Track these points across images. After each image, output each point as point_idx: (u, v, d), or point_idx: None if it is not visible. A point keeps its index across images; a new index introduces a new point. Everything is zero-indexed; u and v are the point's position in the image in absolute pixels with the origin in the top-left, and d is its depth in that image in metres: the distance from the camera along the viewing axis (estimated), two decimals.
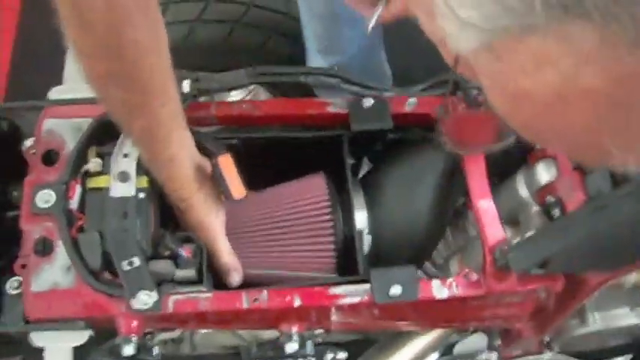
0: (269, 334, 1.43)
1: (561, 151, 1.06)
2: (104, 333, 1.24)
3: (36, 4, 2.30)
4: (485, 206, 1.26)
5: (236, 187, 1.24)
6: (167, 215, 1.31)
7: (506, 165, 1.36)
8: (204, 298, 1.21)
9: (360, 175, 1.42)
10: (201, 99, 1.35)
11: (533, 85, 0.56)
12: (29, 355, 1.25)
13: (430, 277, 1.43)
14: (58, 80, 1.34)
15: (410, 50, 1.61)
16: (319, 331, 1.34)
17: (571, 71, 0.52)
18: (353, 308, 1.26)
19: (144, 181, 1.25)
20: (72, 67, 1.32)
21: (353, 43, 1.77)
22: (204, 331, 1.59)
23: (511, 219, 1.33)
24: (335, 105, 1.34)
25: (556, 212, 1.26)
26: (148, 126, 1.13)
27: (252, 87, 1.87)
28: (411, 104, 1.36)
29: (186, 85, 1.28)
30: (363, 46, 1.81)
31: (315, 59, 1.76)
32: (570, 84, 0.53)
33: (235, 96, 1.80)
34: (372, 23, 1.24)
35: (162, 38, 1.08)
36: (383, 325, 1.36)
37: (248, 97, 1.79)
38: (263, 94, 1.83)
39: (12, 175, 1.33)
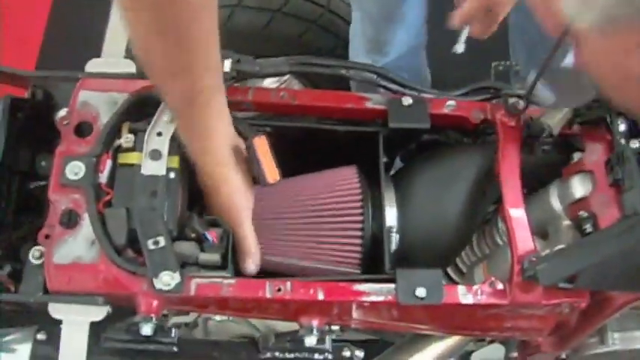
0: (283, 325, 1.42)
1: None
2: (120, 311, 1.22)
3: None
4: (518, 215, 1.25)
5: (271, 170, 1.23)
6: (194, 199, 1.30)
7: (538, 178, 1.33)
8: (227, 284, 1.19)
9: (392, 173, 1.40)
10: (237, 84, 1.34)
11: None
12: (45, 326, 1.23)
13: (453, 282, 1.41)
14: (90, 54, 1.32)
15: (447, 59, 1.60)
16: (335, 328, 1.32)
17: None
18: (374, 307, 1.25)
19: (175, 161, 1.24)
20: (112, 42, 1.32)
21: (402, 44, 1.77)
22: (218, 318, 1.58)
23: (540, 231, 1.31)
24: (373, 101, 1.33)
25: (588, 227, 1.24)
26: (188, 89, 1.12)
27: (286, 77, 1.87)
28: (449, 106, 1.34)
29: (227, 65, 1.26)
30: (411, 47, 1.81)
31: (360, 58, 1.75)
32: None
33: (269, 84, 1.80)
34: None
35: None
36: (402, 327, 1.34)
37: (283, 86, 1.78)
38: (296, 85, 1.82)
39: (41, 146, 1.32)
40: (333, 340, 1.30)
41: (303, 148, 1.37)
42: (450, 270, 1.43)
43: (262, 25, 1.57)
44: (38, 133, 1.32)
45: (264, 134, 1.24)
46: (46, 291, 1.19)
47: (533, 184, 1.35)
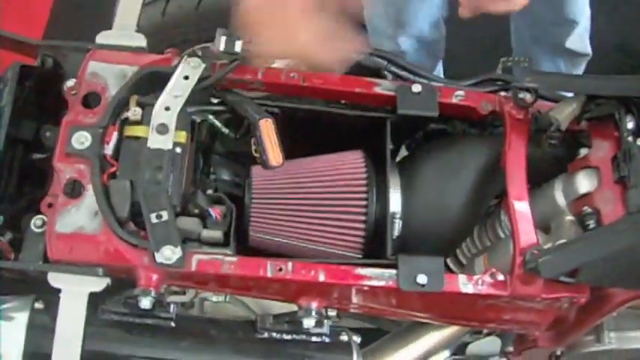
0: (280, 307, 1.41)
1: None
2: (120, 284, 1.22)
3: None
4: (521, 207, 1.25)
5: (274, 153, 1.23)
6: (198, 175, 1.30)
7: (544, 172, 1.33)
8: (229, 261, 1.19)
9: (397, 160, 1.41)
10: None
11: None
12: (43, 295, 1.23)
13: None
14: (100, 26, 1.32)
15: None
16: (332, 313, 1.32)
17: None
18: (373, 292, 1.25)
19: (182, 136, 1.24)
20: (123, 14, 1.32)
21: (424, 20, 1.78)
22: (215, 299, 1.58)
23: (543, 225, 1.31)
24: (382, 86, 1.33)
25: (591, 223, 1.24)
26: None
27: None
28: (458, 96, 1.34)
29: (238, 45, 1.26)
30: (432, 22, 1.82)
31: (381, 35, 1.76)
32: None
33: (278, 63, 1.79)
34: None
35: None
36: (400, 313, 1.34)
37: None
38: (304, 67, 1.82)
39: (47, 116, 1.32)
40: (334, 325, 1.31)
41: (312, 130, 1.37)
42: (449, 261, 1.43)
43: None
44: (45, 103, 1.32)
45: (272, 117, 1.24)
46: (46, 260, 1.19)
47: (539, 179, 1.35)
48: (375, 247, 1.28)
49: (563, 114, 1.28)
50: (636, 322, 1.45)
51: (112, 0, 1.40)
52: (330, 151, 1.35)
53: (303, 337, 1.26)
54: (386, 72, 1.35)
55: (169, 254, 1.16)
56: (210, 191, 1.35)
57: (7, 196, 1.30)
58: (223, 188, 1.37)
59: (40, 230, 1.20)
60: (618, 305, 1.31)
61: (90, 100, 1.26)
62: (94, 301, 1.20)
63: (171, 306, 1.22)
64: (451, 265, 1.44)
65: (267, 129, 1.23)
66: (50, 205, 1.20)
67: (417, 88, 1.32)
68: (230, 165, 1.39)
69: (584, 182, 1.27)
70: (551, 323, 1.34)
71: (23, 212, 1.27)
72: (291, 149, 1.33)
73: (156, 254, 1.16)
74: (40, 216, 1.21)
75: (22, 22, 2.26)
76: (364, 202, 1.28)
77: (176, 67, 1.26)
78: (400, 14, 1.75)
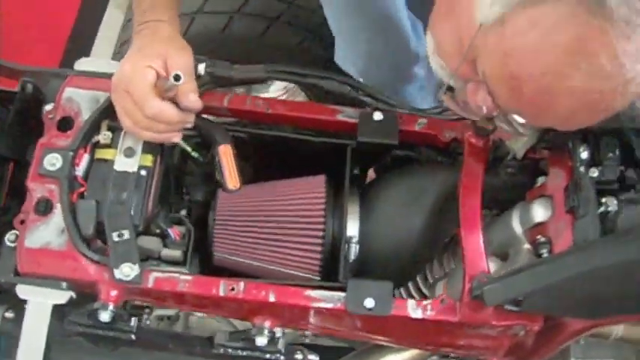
0: None
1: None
2: (86, 298, 1.31)
3: None
4: (472, 235, 1.29)
5: (232, 178, 1.31)
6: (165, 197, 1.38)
7: (505, 199, 1.37)
8: (184, 279, 1.27)
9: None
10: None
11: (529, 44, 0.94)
12: (15, 306, 1.32)
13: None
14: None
15: None
16: (308, 332, 1.38)
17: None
18: (330, 313, 1.30)
19: (148, 160, 1.33)
20: (102, 43, 1.40)
21: (413, 98, 1.84)
22: (199, 314, 1.66)
23: (501, 252, 1.35)
24: (345, 113, 1.39)
25: (544, 252, 1.27)
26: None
27: (291, 86, 1.93)
28: (420, 124, 1.39)
29: (201, 68, 1.34)
30: (421, 97, 1.88)
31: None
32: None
33: (273, 92, 1.86)
34: None
35: None
36: (358, 336, 1.39)
37: (284, 96, 1.84)
38: (300, 96, 1.88)
39: (34, 136, 1.41)
40: (292, 344, 1.37)
41: (279, 155, 1.44)
42: (413, 285, 1.47)
43: (260, 32, 1.63)
44: (30, 124, 1.42)
45: (231, 143, 1.31)
46: (17, 273, 1.28)
47: (499, 206, 1.38)
48: (332, 269, 1.34)
49: (519, 143, 1.31)
50: (603, 351, 1.46)
51: None
52: (297, 174, 1.42)
53: (257, 354, 1.32)
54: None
55: (128, 271, 1.25)
56: (183, 212, 1.43)
57: None
58: (196, 209, 1.45)
59: (13, 245, 1.30)
60: (575, 334, 1.33)
61: (65, 124, 1.35)
62: (63, 313, 1.30)
63: (132, 319, 1.30)
64: (413, 291, 1.47)
65: (226, 154, 1.31)
66: (22, 222, 1.30)
67: (378, 115, 1.37)
68: (204, 186, 1.47)
69: (539, 211, 1.30)
70: (509, 349, 1.37)
71: (8, 226, 1.37)
72: (259, 173, 1.41)
73: (115, 271, 1.25)
74: (14, 231, 1.31)
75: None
76: (322, 226, 1.34)
77: None
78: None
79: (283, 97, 1.88)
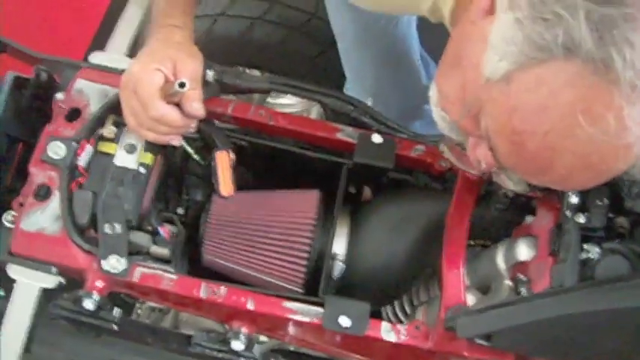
0: None
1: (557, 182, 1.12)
2: (76, 283, 1.35)
3: None
4: (453, 265, 1.32)
5: (226, 184, 1.34)
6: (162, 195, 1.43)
7: (492, 233, 1.39)
8: (168, 278, 1.31)
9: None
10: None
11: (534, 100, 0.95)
12: (7, 284, 1.37)
13: (395, 320, 1.48)
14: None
15: None
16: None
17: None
18: (308, 327, 1.33)
19: (148, 158, 1.37)
20: (118, 38, 1.45)
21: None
22: None
23: (483, 285, 1.37)
24: (345, 132, 1.42)
25: (523, 291, 1.29)
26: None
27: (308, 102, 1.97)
28: (417, 150, 1.41)
29: (210, 75, 1.38)
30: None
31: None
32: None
33: (288, 106, 1.90)
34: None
35: None
36: (334, 352, 1.43)
37: (299, 107, 1.88)
38: (314, 111, 1.92)
39: (43, 121, 1.46)
40: (273, 350, 1.40)
41: (277, 165, 1.47)
42: (397, 308, 1.49)
43: (280, 41, 1.66)
44: (42, 109, 1.47)
45: (230, 149, 1.35)
46: (10, 253, 1.34)
47: (487, 238, 1.40)
48: (316, 284, 1.37)
49: (513, 180, 1.33)
50: None
51: None
52: (294, 186, 1.45)
53: (233, 357, 1.35)
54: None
55: (115, 263, 1.30)
56: (180, 210, 1.48)
57: (1, 190, 1.47)
58: (194, 208, 1.50)
59: (10, 225, 1.35)
60: None
61: (73, 114, 1.40)
62: (50, 297, 1.35)
63: (115, 310, 1.34)
64: (398, 313, 1.49)
65: (222, 161, 1.35)
66: (21, 204, 1.35)
67: (377, 138, 1.40)
68: (204, 187, 1.50)
69: (523, 250, 1.32)
70: None
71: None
72: (257, 180, 1.44)
73: (102, 262, 1.29)
74: (12, 212, 1.36)
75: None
76: (309, 241, 1.37)
77: None
78: None
79: (298, 109, 1.92)
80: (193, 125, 1.35)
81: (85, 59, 1.47)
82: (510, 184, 1.21)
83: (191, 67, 1.33)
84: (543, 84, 0.96)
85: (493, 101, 1.02)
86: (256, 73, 1.89)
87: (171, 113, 1.30)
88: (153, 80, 1.29)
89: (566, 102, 0.95)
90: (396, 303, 1.49)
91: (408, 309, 1.48)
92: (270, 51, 1.68)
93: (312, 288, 1.39)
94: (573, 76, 0.94)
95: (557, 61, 0.94)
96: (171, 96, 1.28)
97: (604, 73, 0.93)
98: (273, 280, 1.40)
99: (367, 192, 1.52)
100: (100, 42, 2.36)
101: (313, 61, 1.70)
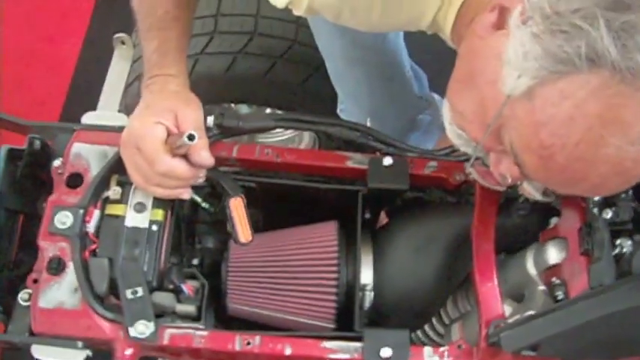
0: None
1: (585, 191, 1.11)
2: (102, 353, 1.32)
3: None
4: (487, 280, 1.30)
5: (244, 230, 1.31)
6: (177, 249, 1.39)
7: (518, 240, 1.37)
8: (200, 335, 1.28)
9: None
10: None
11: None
12: None
13: (428, 341, 1.46)
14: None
15: None
16: None
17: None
18: None
19: (159, 214, 1.34)
20: (107, 96, 1.41)
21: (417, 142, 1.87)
22: None
23: (516, 293, 1.35)
24: (354, 160, 1.40)
25: (559, 295, 1.28)
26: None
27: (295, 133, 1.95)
28: (430, 167, 1.39)
29: (210, 121, 1.35)
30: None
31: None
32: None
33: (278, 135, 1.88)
34: None
35: None
36: None
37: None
38: (307, 137, 1.90)
39: (44, 189, 1.42)
40: None
41: (289, 202, 1.45)
42: (428, 327, 1.48)
43: (264, 71, 1.64)
44: (39, 178, 1.43)
45: (241, 196, 1.32)
46: (31, 332, 1.29)
47: (512, 247, 1.38)
48: (347, 316, 1.35)
49: (539, 190, 1.32)
50: None
51: None
52: (309, 221, 1.43)
53: None
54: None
55: (143, 329, 1.26)
56: (195, 260, 1.44)
57: (6, 264, 1.43)
58: (208, 256, 1.46)
59: (26, 304, 1.31)
60: None
61: (74, 180, 1.36)
62: None
63: None
64: (430, 332, 1.48)
65: (237, 208, 1.31)
66: (35, 281, 1.31)
67: (388, 161, 1.38)
68: (216, 234, 1.47)
69: (553, 253, 1.31)
70: None
71: (22, 279, 1.38)
72: (270, 220, 1.41)
73: (130, 329, 1.26)
74: (27, 290, 1.32)
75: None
76: (335, 275, 1.35)
77: None
78: None
79: (288, 136, 1.89)
80: (202, 175, 1.32)
81: (65, 115, 1.44)
82: (537, 194, 1.19)
83: (193, 116, 1.30)
84: (568, 97, 0.94)
85: (517, 118, 0.99)
86: (245, 108, 1.87)
87: (179, 166, 1.27)
88: (155, 134, 1.26)
89: (594, 112, 0.93)
90: (427, 326, 1.47)
91: (441, 328, 1.46)
92: (256, 83, 1.65)
93: (343, 321, 1.37)
94: (599, 87, 0.92)
95: (581, 73, 0.92)
96: (178, 149, 1.25)
97: (631, 81, 0.91)
98: (303, 320, 1.37)
99: (382, 216, 1.50)
100: (75, 95, 2.35)
101: (301, 87, 1.67)
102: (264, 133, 1.48)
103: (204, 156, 1.28)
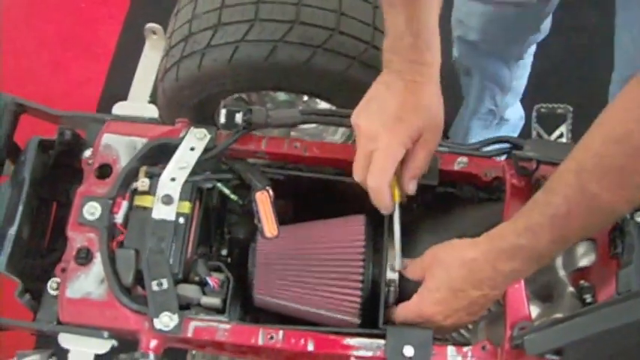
0: None
1: None
2: (128, 343, 1.35)
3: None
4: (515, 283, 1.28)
5: (269, 225, 1.33)
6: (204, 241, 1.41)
7: None
8: (223, 328, 1.30)
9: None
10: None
11: None
12: (59, 351, 1.37)
13: (458, 336, 1.46)
14: None
15: None
16: None
17: None
18: None
19: (186, 207, 1.35)
20: (137, 87, 1.43)
21: None
22: None
23: (545, 294, 1.34)
24: None
25: (588, 297, 1.27)
26: None
27: None
28: (460, 163, 1.39)
29: (238, 117, 1.36)
30: None
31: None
32: None
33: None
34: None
35: None
36: None
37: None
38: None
39: (77, 178, 1.45)
40: None
41: (318, 194, 1.45)
42: None
43: (304, 60, 1.64)
44: (71, 167, 1.46)
45: (269, 187, 1.33)
46: (59, 321, 1.33)
47: None
48: (372, 311, 1.35)
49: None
50: None
51: None
52: (337, 214, 1.43)
53: None
54: None
55: (167, 321, 1.28)
56: (224, 251, 1.47)
57: (40, 251, 1.46)
58: (237, 247, 1.48)
59: (54, 293, 1.34)
60: None
61: (103, 171, 1.39)
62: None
63: None
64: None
65: (263, 202, 1.33)
66: (63, 270, 1.34)
67: None
68: (245, 224, 1.49)
69: (582, 255, 1.30)
70: None
71: (54, 265, 1.41)
72: (298, 212, 1.42)
73: (155, 320, 1.28)
74: (55, 279, 1.35)
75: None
76: (361, 270, 1.35)
77: (183, 138, 1.38)
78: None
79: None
80: None
81: (104, 99, 1.46)
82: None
83: None
84: None
85: None
86: (282, 95, 1.88)
87: None
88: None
89: None
90: None
91: (469, 325, 1.46)
92: (296, 72, 1.65)
93: (368, 316, 1.37)
94: None
95: None
96: None
97: None
98: (328, 313, 1.38)
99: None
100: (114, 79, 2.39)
101: (341, 77, 1.67)
102: (292, 127, 1.47)
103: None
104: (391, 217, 1.37)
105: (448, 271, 1.22)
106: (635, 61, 1.68)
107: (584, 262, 1.30)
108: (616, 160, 1.04)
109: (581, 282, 1.28)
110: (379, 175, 1.26)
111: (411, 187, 1.31)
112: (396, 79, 1.27)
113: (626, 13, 1.66)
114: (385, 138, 1.25)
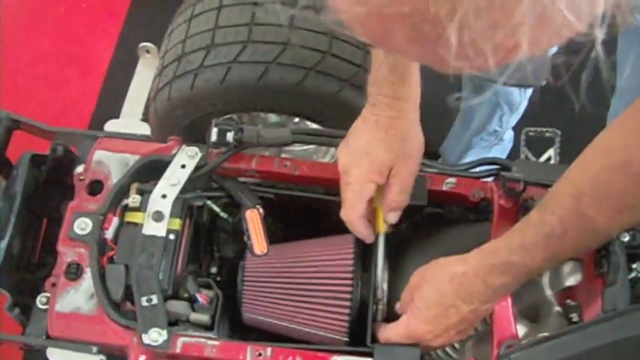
0: None
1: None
2: (117, 358, 1.36)
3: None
4: (502, 300, 1.30)
5: (259, 243, 1.34)
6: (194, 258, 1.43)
7: None
8: (211, 344, 1.31)
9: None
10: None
11: None
12: None
13: (445, 355, 1.48)
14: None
15: None
16: None
17: None
18: None
19: (176, 224, 1.37)
20: (130, 104, 1.45)
21: None
22: None
23: (531, 313, 1.36)
24: None
25: (574, 316, 1.29)
26: None
27: None
28: (449, 184, 1.41)
29: (229, 136, 1.38)
30: None
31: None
32: None
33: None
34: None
35: None
36: None
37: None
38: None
39: (68, 193, 1.47)
40: None
41: (307, 213, 1.47)
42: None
43: (296, 82, 1.67)
44: (64, 182, 1.48)
45: (259, 205, 1.35)
46: (48, 335, 1.34)
47: None
48: (360, 329, 1.37)
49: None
50: None
51: None
52: (327, 233, 1.45)
53: None
54: None
55: (156, 336, 1.30)
56: (214, 268, 1.48)
57: (30, 266, 1.48)
58: (227, 265, 1.50)
59: (44, 307, 1.36)
60: None
61: (95, 187, 1.41)
62: None
63: None
64: (447, 348, 1.49)
65: (253, 220, 1.35)
66: (54, 285, 1.36)
67: None
68: (235, 243, 1.51)
69: (568, 275, 1.32)
70: None
71: (44, 280, 1.42)
72: (288, 231, 1.44)
73: (143, 336, 1.30)
74: (45, 294, 1.36)
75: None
76: (350, 289, 1.37)
77: (174, 156, 1.40)
78: None
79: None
80: None
81: (96, 117, 1.48)
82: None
83: None
84: None
85: None
86: (274, 117, 1.90)
87: None
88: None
89: None
90: None
91: (457, 344, 1.47)
92: (287, 93, 1.68)
93: (356, 334, 1.39)
94: None
95: None
96: None
97: None
98: (316, 332, 1.39)
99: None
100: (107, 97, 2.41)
101: (332, 99, 1.69)
102: (283, 146, 1.49)
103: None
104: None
105: (437, 289, 1.24)
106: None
107: (570, 282, 1.32)
108: (616, 185, 1.05)
109: (568, 301, 1.30)
110: (349, 211, 1.34)
111: (391, 219, 1.36)
112: (370, 114, 1.32)
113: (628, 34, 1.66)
114: (355, 173, 1.31)
